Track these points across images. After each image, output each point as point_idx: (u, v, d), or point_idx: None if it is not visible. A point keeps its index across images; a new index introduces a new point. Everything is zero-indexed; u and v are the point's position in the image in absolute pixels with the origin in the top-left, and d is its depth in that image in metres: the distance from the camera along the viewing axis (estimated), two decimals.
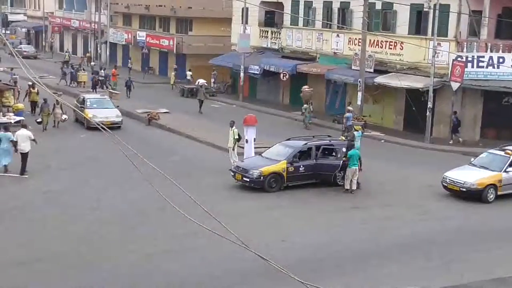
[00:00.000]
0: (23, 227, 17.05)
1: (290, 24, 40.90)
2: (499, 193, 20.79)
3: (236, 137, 23.85)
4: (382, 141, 31.00)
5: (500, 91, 29.87)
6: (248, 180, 21.19)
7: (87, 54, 61.33)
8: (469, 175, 20.96)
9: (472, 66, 29.94)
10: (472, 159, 22.63)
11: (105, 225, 17.39)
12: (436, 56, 29.76)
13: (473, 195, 20.60)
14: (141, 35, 55.81)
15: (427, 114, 30.12)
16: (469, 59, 29.93)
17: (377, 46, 34.32)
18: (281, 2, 41.16)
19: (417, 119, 31.13)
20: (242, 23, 42.30)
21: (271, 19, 43.86)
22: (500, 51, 30.01)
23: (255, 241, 15.39)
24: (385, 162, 25.81)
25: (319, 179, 21.86)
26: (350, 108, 32.35)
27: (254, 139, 24.83)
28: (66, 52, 65.16)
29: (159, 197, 10.75)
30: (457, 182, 20.88)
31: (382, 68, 33.73)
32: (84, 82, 45.19)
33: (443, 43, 30.53)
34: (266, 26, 43.48)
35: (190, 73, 46.70)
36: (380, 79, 32.99)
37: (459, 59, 29.82)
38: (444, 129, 31.31)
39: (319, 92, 38.84)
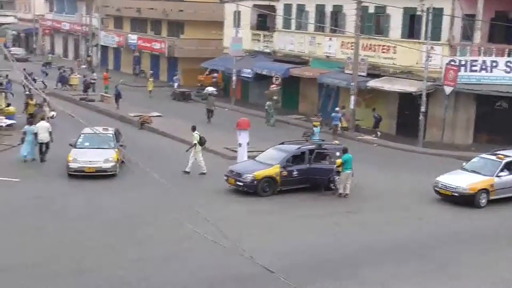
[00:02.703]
0: (14, 233, 16.75)
1: (283, 28, 40.80)
2: (491, 197, 20.60)
3: (195, 141, 23.29)
4: (375, 145, 30.91)
5: (493, 95, 29.85)
6: (241, 184, 21.02)
7: (88, 58, 60.24)
8: (461, 180, 20.82)
9: (465, 70, 29.94)
10: (464, 163, 22.52)
11: (100, 230, 17.12)
12: (429, 60, 29.71)
13: (465, 200, 20.46)
14: (133, 38, 55.61)
15: (420, 118, 30.06)
16: (462, 63, 29.93)
17: (370, 50, 34.26)
18: (274, 5, 41.05)
19: (410, 123, 31.07)
20: (234, 26, 42.16)
21: (263, 23, 43.75)
22: (493, 55, 30.00)
23: (249, 245, 15.21)
24: (378, 166, 25.69)
25: (312, 184, 21.69)
26: (337, 109, 33.00)
27: (248, 143, 24.66)
28: (48, 53, 64.51)
29: (156, 201, 10.58)
30: (449, 186, 20.71)
31: (375, 72, 33.66)
32: (76, 85, 44.92)
33: (436, 47, 30.50)
34: (258, 30, 43.36)
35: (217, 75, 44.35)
36: (373, 83, 32.92)
37: (452, 63, 29.83)
38: (437, 133, 31.26)
39: (311, 95, 38.78)
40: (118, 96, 37.77)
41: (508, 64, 29.61)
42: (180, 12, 51.06)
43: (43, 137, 24.33)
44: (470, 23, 30.68)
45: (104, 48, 60.24)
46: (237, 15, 41.76)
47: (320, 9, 37.77)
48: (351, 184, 21.32)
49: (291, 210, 19.77)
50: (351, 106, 33.09)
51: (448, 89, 29.70)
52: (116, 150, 23.00)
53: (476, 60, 29.94)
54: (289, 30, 40.33)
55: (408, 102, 31.87)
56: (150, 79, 45.23)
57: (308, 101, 39.00)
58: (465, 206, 20.33)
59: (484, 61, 29.85)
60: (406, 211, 20.09)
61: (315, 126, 29.33)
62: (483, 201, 20.48)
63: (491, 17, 31.64)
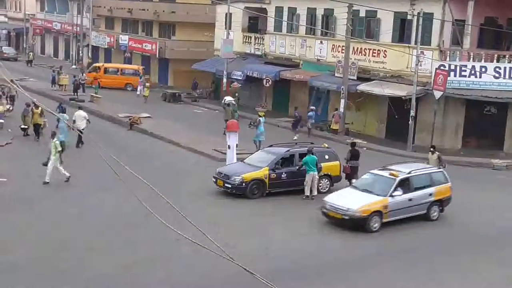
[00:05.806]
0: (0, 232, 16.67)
1: (274, 30, 40.83)
2: (384, 220, 17.96)
3: (59, 149, 21.38)
4: (364, 148, 30.88)
5: (482, 100, 29.99)
6: (230, 186, 20.98)
7: (89, 60, 59.06)
8: (352, 201, 18.05)
9: (455, 75, 30.07)
10: (353, 181, 20.61)
11: (85, 232, 17.03)
12: (419, 64, 29.83)
13: (356, 224, 17.79)
14: (124, 38, 55.46)
15: (409, 122, 30.16)
16: (452, 68, 30.04)
17: (360, 54, 34.35)
18: (265, 8, 41.10)
19: (400, 127, 31.16)
20: (226, 28, 42.17)
21: (254, 25, 43.80)
22: (483, 60, 30.14)
23: (237, 249, 15.23)
24: (366, 170, 25.63)
25: (301, 186, 21.68)
26: (312, 107, 33.24)
27: (237, 145, 24.67)
28: (29, 51, 63.69)
29: (141, 204, 10.54)
30: (339, 208, 17.94)
31: (365, 76, 33.76)
32: (66, 85, 44.67)
33: (426, 51, 30.62)
34: (250, 32, 43.38)
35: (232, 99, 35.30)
36: (363, 87, 33.00)
37: (442, 67, 29.93)
38: (426, 137, 31.33)
39: (302, 98, 38.81)
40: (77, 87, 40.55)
41: (497, 69, 29.76)
42: (172, 13, 50.98)
43: (79, 124, 26.42)
44: (460, 28, 30.83)
45: (95, 49, 60.03)
46: (228, 17, 41.76)
47: (311, 12, 37.85)
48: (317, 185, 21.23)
49: (280, 213, 19.73)
50: (341, 109, 33.17)
51: (437, 94, 29.80)
52: None
53: (465, 65, 30.08)
54: (280, 33, 40.36)
55: (397, 106, 31.97)
56: (147, 84, 42.96)
57: (299, 104, 38.97)
58: (357, 231, 17.74)
59: (473, 66, 30.00)
60: None
61: (260, 116, 29.31)
62: (376, 225, 17.82)
63: (480, 23, 31.83)
